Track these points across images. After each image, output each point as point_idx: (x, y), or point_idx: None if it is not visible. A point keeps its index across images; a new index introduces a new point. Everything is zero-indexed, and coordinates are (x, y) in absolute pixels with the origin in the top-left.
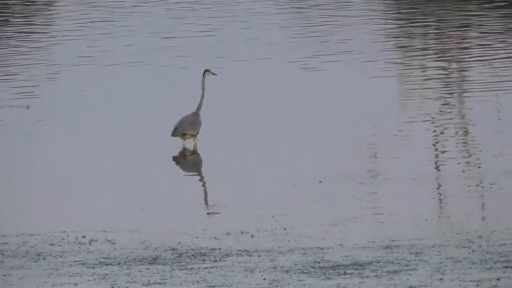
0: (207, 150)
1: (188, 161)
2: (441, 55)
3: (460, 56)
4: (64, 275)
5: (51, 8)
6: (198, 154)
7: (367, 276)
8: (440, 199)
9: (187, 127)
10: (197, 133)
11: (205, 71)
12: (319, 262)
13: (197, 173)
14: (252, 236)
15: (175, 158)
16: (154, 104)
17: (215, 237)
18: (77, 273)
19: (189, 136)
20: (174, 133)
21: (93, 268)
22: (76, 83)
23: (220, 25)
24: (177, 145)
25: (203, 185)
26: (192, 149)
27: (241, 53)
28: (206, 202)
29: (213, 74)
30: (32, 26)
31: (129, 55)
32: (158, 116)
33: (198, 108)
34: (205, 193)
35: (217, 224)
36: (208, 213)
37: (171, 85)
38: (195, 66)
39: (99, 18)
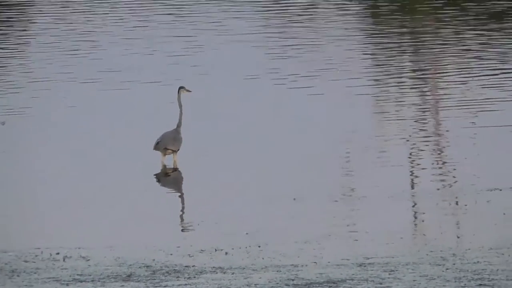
0: (186, 166)
1: (166, 177)
2: (417, 73)
3: (436, 75)
4: None
5: (27, 25)
6: (179, 170)
7: None
8: (415, 217)
9: (169, 141)
10: (178, 150)
11: (180, 88)
12: (293, 280)
13: (173, 190)
14: (226, 253)
15: (154, 175)
16: (133, 120)
17: (189, 254)
18: None
19: (170, 151)
20: (156, 147)
21: (67, 285)
22: (53, 98)
23: (201, 41)
24: (156, 161)
25: (179, 202)
26: (172, 165)
27: (218, 68)
28: (181, 219)
29: (188, 91)
30: (7, 40)
31: (109, 70)
32: (137, 132)
33: (178, 125)
34: (181, 210)
35: (191, 241)
36: (182, 230)
37: (150, 102)
38: (174, 82)
39: (79, 33)
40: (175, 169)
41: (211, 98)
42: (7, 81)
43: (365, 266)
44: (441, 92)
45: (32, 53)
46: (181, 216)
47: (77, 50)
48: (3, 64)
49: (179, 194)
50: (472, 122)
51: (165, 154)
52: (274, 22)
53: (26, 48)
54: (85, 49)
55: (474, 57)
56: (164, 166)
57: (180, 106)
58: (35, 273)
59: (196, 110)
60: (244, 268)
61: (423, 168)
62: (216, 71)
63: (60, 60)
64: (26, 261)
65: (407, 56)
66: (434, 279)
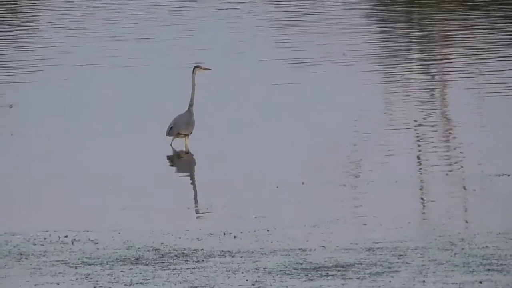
0: (196, 150)
1: (176, 161)
2: (425, 59)
3: (444, 60)
4: (46, 275)
5: (33, 11)
6: (191, 154)
7: (350, 278)
8: (423, 202)
9: (182, 126)
10: (191, 133)
11: (195, 67)
12: (301, 264)
13: (183, 174)
14: (234, 237)
15: (165, 158)
16: (143, 103)
17: (198, 238)
18: (60, 273)
19: (182, 135)
20: (170, 133)
21: (76, 268)
22: (61, 82)
23: (205, 25)
24: (166, 144)
25: (188, 186)
26: (183, 149)
27: (226, 55)
28: (190, 203)
29: (206, 69)
30: (14, 25)
31: (116, 54)
32: (149, 115)
33: (190, 104)
34: (192, 194)
35: (200, 224)
36: (191, 214)
37: (163, 85)
38: (178, 65)
39: (84, 17)
40: (186, 153)
41: (223, 81)
42: (15, 63)
43: (373, 251)
44: (449, 77)
45: (37, 35)
46: (190, 200)
47: (88, 31)
48: (11, 46)
49: (189, 177)
50: (480, 107)
51: (177, 138)
52: (282, 9)
53: (36, 28)
54: (96, 31)
55: (482, 42)
56: (174, 149)
57: (194, 85)
58: (43, 256)
59: (209, 92)
60: (252, 252)
61: (431, 153)
62: (228, 55)
63: (69, 42)
64: (34, 244)
65: (414, 42)
66: (443, 264)
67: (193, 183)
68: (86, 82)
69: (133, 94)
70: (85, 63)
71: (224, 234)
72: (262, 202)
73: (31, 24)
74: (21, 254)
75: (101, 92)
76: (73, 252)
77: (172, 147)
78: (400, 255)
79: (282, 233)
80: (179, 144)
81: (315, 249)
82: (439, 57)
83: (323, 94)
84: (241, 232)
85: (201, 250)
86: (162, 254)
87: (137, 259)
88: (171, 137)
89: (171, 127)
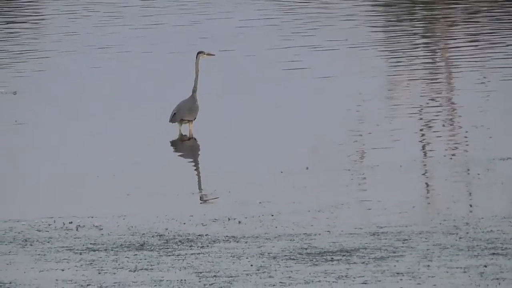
0: (201, 135)
1: (181, 146)
2: (428, 43)
3: (447, 46)
4: (51, 261)
5: None
6: (194, 139)
7: (354, 263)
8: (427, 186)
9: (185, 112)
10: (194, 119)
11: (199, 52)
12: (306, 249)
13: (187, 159)
14: (239, 222)
15: (168, 144)
16: (147, 89)
17: (202, 223)
18: (64, 259)
19: (186, 121)
20: (173, 119)
21: (80, 254)
22: (65, 68)
23: (204, 15)
24: (169, 130)
25: (192, 171)
26: (187, 134)
27: (227, 43)
28: (194, 188)
29: (210, 55)
30: (18, 13)
31: (118, 41)
32: (152, 101)
33: (194, 90)
34: (196, 179)
35: (204, 210)
36: (195, 199)
37: (165, 71)
38: (183, 52)
39: (86, 7)
40: (190, 138)
41: (227, 68)
42: (18, 52)
43: (378, 235)
44: (452, 62)
45: (41, 22)
46: (194, 185)
47: (90, 20)
48: (15, 32)
49: (193, 163)
50: (484, 90)
51: (182, 124)
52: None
53: (39, 21)
54: (98, 20)
55: (487, 26)
56: (181, 135)
57: (197, 71)
58: (48, 242)
59: (213, 78)
60: (257, 237)
61: (435, 138)
62: (231, 43)
63: (72, 31)
64: (39, 230)
65: (419, 28)
66: (447, 248)
67: (197, 169)
68: (90, 68)
69: (137, 80)
70: (90, 50)
71: (229, 219)
72: (266, 187)
73: (35, 11)
74: (26, 241)
75: (106, 79)
76: (78, 238)
77: (180, 132)
78: (404, 240)
79: (286, 218)
80: (183, 130)
81: (319, 234)
82: (443, 42)
83: (328, 79)
84: (246, 218)
85: (205, 235)
86: (166, 240)
87: (141, 245)
88: (175, 123)
89: (174, 113)
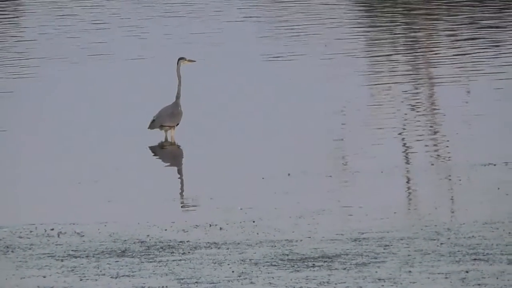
0: (182, 141)
1: (162, 152)
2: (409, 48)
3: (428, 49)
4: (32, 268)
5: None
6: (175, 145)
7: (336, 269)
8: (409, 192)
9: (165, 118)
10: (177, 124)
11: (179, 59)
12: (287, 255)
13: (168, 165)
14: (220, 228)
15: (151, 150)
16: (130, 96)
17: (183, 230)
18: (46, 266)
19: (167, 127)
20: (152, 126)
21: (62, 260)
22: (49, 75)
23: (188, 19)
24: (151, 137)
25: (174, 177)
26: (170, 140)
27: (212, 46)
28: (175, 194)
29: (190, 61)
30: (3, 17)
31: (102, 48)
32: (135, 108)
33: (177, 97)
34: (177, 186)
35: (186, 216)
36: (177, 206)
37: (147, 77)
38: (167, 58)
39: (74, 12)
40: (172, 144)
41: (208, 73)
42: (3, 57)
43: (359, 241)
44: (434, 67)
45: (28, 29)
46: (176, 192)
47: (71, 28)
48: (7, 40)
49: (174, 169)
50: (465, 96)
51: (165, 130)
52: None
53: (22, 22)
54: (78, 27)
55: (467, 31)
56: (166, 140)
57: (179, 77)
58: (29, 249)
59: (194, 84)
60: (238, 244)
61: (416, 143)
62: (211, 48)
63: (55, 36)
64: (20, 237)
65: (400, 31)
66: (429, 253)
67: (178, 175)
68: (72, 74)
69: (119, 86)
70: (78, 56)
71: (210, 225)
72: (248, 194)
73: (25, 18)
74: (7, 247)
75: (88, 84)
76: (59, 245)
77: (166, 138)
78: (386, 246)
79: (268, 224)
80: (162, 136)
81: (301, 240)
82: (425, 47)
83: (308, 85)
84: (227, 224)
85: (187, 242)
86: (148, 246)
87: (123, 251)
88: (154, 130)
89: (153, 120)
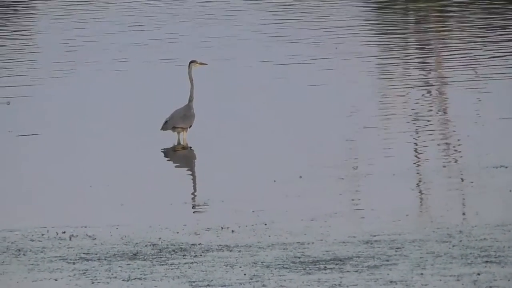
0: (194, 144)
1: (174, 155)
2: (422, 52)
3: (441, 53)
4: (44, 271)
5: (32, 6)
6: (188, 147)
7: (348, 271)
8: (421, 194)
9: (178, 120)
10: (190, 126)
11: (191, 62)
12: (299, 257)
13: (180, 168)
14: (232, 231)
15: (164, 153)
16: (143, 98)
17: (195, 233)
18: (58, 269)
19: (180, 129)
20: (164, 127)
21: (74, 263)
22: (59, 79)
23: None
24: (167, 139)
25: (186, 180)
26: (182, 143)
27: (222, 51)
28: (187, 197)
29: (202, 64)
30: (13, 22)
31: (113, 51)
32: (148, 110)
33: (190, 100)
34: (189, 188)
35: (197, 219)
36: (189, 208)
37: (159, 81)
38: (180, 61)
39: (82, 15)
40: (184, 147)
41: (222, 77)
42: (11, 62)
43: (371, 244)
44: (446, 69)
45: (37, 34)
46: (188, 194)
47: (82, 28)
48: (9, 44)
49: (186, 172)
50: (477, 99)
51: (178, 133)
52: (275, 7)
53: (32, 28)
54: (89, 29)
55: (479, 33)
56: (176, 144)
57: (191, 80)
58: (41, 252)
59: (208, 87)
60: (250, 246)
61: (428, 146)
62: (222, 52)
63: (65, 39)
64: (32, 240)
65: (411, 34)
66: (441, 256)
67: (190, 178)
68: (83, 80)
69: (131, 89)
70: (82, 61)
71: (222, 228)
72: (260, 196)
73: (28, 23)
74: (19, 251)
75: (99, 88)
76: (71, 248)
77: (178, 141)
78: (398, 248)
79: (280, 227)
80: (175, 139)
81: (313, 243)
82: (436, 49)
83: (320, 87)
84: (239, 226)
85: (199, 244)
86: (160, 249)
87: (135, 254)
88: (166, 131)
89: (166, 121)
